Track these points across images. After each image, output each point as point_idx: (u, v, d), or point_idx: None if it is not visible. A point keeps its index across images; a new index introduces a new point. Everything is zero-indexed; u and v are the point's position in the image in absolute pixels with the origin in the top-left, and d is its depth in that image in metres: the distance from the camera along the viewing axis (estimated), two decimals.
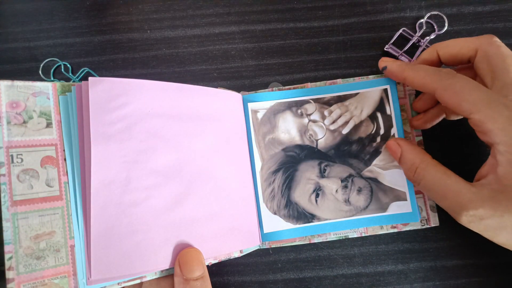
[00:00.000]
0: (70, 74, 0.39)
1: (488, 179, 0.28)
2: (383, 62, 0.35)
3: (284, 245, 0.36)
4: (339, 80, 0.37)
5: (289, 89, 0.37)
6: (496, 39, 0.30)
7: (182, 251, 0.29)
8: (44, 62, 0.40)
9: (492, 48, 0.30)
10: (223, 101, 0.34)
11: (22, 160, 0.26)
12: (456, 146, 0.38)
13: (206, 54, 0.40)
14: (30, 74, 0.40)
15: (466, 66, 0.34)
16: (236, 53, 0.40)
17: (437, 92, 0.30)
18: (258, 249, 0.36)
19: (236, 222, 0.33)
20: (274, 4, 0.41)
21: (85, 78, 0.39)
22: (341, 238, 0.35)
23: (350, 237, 0.35)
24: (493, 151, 0.28)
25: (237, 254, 0.33)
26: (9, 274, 0.25)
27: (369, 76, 0.37)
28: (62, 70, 0.39)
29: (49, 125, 0.28)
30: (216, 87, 0.38)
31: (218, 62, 0.40)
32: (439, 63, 0.34)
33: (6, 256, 0.25)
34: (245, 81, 0.40)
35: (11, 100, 0.26)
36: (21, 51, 0.40)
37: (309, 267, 0.37)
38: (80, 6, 0.41)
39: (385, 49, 0.39)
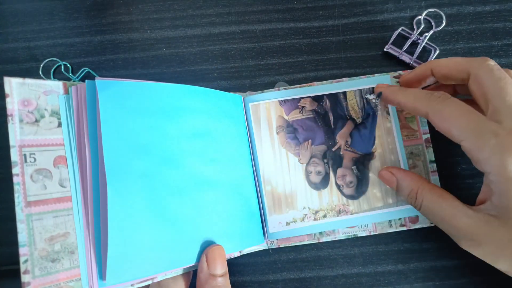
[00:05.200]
0: (70, 74, 0.42)
1: (485, 205, 0.29)
2: (379, 88, 0.37)
3: (289, 245, 0.38)
4: (345, 79, 0.39)
5: (295, 88, 0.39)
6: (489, 62, 0.30)
7: (210, 248, 0.31)
8: (44, 62, 0.42)
9: (483, 71, 0.30)
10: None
11: (35, 159, 0.27)
12: None
13: (206, 54, 0.43)
14: (30, 74, 0.42)
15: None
16: (236, 53, 0.43)
17: (428, 116, 0.31)
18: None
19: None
20: (274, 4, 0.43)
21: (85, 78, 0.42)
22: (350, 236, 0.37)
23: (359, 235, 0.37)
24: (485, 180, 0.29)
25: (236, 254, 0.35)
26: (24, 278, 0.25)
27: (375, 75, 0.39)
28: (62, 70, 0.42)
29: (60, 124, 0.29)
30: (216, 87, 0.41)
31: (218, 62, 0.43)
32: (432, 78, 0.35)
33: (21, 259, 0.26)
34: (245, 81, 0.42)
35: (22, 98, 0.28)
36: (21, 51, 0.43)
37: (309, 267, 0.39)
38: (80, 6, 0.44)
39: (385, 49, 0.41)
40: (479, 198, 0.30)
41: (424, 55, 0.41)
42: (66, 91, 0.30)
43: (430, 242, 0.39)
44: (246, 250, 0.36)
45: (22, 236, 0.26)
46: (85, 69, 0.42)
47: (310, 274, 0.39)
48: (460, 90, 0.37)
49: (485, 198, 0.29)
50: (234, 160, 0.36)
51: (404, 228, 0.37)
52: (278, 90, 0.39)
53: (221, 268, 0.30)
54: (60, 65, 0.42)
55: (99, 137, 0.28)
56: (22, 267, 0.26)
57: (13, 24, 0.43)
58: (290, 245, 0.38)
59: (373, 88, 0.38)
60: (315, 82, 0.39)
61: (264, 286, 0.39)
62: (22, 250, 0.26)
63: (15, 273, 0.27)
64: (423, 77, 0.35)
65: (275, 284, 0.39)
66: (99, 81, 0.29)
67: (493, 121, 0.28)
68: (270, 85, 0.42)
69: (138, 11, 0.44)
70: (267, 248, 0.38)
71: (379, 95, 0.37)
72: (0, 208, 0.40)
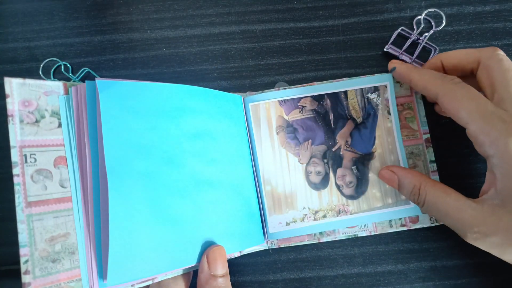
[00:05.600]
0: (70, 74, 0.42)
1: (489, 195, 0.29)
2: (393, 63, 0.38)
3: (289, 245, 0.38)
4: (345, 78, 0.39)
5: (295, 87, 0.40)
6: (499, 52, 0.31)
7: (211, 249, 0.31)
8: (44, 62, 0.42)
9: (493, 61, 0.31)
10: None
11: (35, 160, 0.27)
12: (465, 145, 0.40)
13: (206, 54, 0.43)
14: (30, 74, 0.42)
15: (472, 76, 0.36)
16: (236, 53, 0.43)
17: (438, 96, 0.31)
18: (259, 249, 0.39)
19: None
20: (274, 4, 0.43)
21: (85, 78, 0.42)
22: (350, 236, 0.38)
23: (359, 235, 0.38)
24: (489, 165, 0.29)
25: (236, 254, 0.36)
26: (25, 278, 0.26)
27: (375, 75, 0.39)
28: (62, 70, 0.42)
29: (60, 124, 0.29)
30: (216, 87, 0.41)
31: (218, 62, 0.43)
32: (443, 71, 0.35)
33: (22, 260, 0.26)
34: (245, 81, 0.42)
35: (23, 99, 0.28)
36: (21, 51, 0.43)
37: (309, 267, 0.39)
38: (80, 6, 0.44)
39: (385, 49, 0.41)
40: (483, 189, 0.31)
41: (424, 55, 0.41)
42: (66, 92, 0.30)
43: (430, 242, 0.39)
44: (246, 250, 0.36)
45: (23, 236, 0.26)
46: (85, 69, 0.42)
47: (310, 274, 0.39)
48: None
49: (488, 188, 0.30)
50: (234, 160, 0.36)
51: (405, 228, 0.37)
52: (278, 90, 0.40)
53: (221, 269, 0.31)
54: (60, 65, 0.42)
55: (100, 137, 0.29)
56: (23, 268, 0.26)
57: (13, 24, 0.43)
58: (290, 245, 0.38)
59: (374, 87, 0.39)
60: (315, 82, 0.40)
61: (264, 286, 0.39)
62: (23, 251, 0.26)
63: (16, 273, 0.27)
64: (435, 69, 0.35)
65: (275, 284, 0.39)
66: (99, 81, 0.29)
67: (499, 108, 0.29)
68: (270, 85, 0.42)
69: (138, 11, 0.44)
70: (267, 248, 0.38)
71: (392, 70, 0.38)
72: (0, 208, 0.40)
